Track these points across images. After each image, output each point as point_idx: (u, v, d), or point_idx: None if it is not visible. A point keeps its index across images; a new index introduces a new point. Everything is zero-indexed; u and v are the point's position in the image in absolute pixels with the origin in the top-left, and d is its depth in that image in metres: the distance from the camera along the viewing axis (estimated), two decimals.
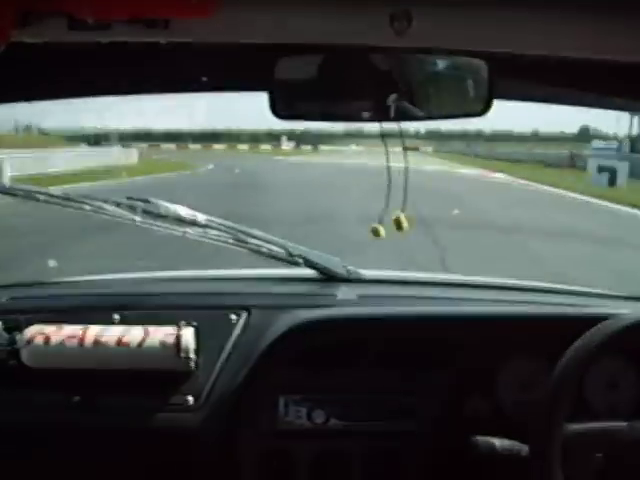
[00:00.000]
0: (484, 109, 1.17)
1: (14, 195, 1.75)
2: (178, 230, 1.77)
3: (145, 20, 0.98)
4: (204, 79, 1.35)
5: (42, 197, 1.73)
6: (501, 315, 1.61)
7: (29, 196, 1.73)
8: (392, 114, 1.17)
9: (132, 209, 1.72)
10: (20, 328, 1.54)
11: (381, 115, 1.18)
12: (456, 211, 10.60)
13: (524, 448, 1.32)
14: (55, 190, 1.79)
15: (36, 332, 1.53)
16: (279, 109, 1.16)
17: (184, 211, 1.77)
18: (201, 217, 1.77)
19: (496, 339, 1.52)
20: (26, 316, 1.57)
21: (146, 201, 1.75)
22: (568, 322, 1.50)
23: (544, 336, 1.50)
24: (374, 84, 1.17)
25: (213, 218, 1.79)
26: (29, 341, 1.52)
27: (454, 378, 1.51)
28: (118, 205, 1.73)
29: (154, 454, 1.52)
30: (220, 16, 0.96)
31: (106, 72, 1.30)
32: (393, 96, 1.15)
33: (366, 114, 1.19)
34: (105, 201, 1.72)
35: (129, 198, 1.75)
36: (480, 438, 1.41)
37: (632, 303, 1.80)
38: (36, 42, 1.01)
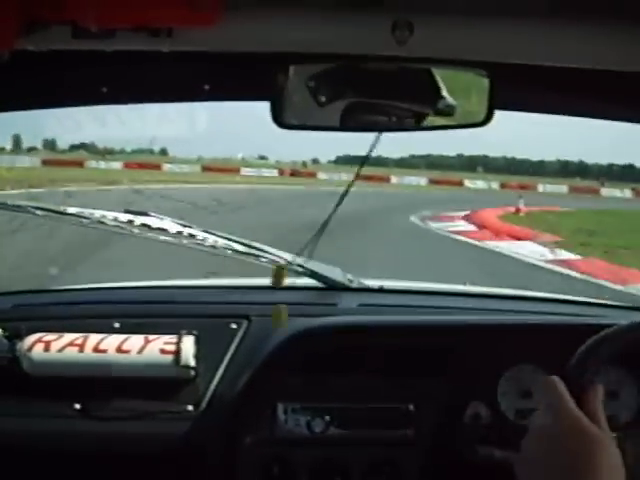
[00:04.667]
0: (486, 119, 1.17)
1: (13, 210, 1.76)
2: (177, 242, 1.77)
3: (149, 29, 0.98)
4: (206, 88, 1.36)
5: (40, 212, 1.73)
6: (502, 324, 1.60)
7: (27, 211, 1.74)
8: (394, 124, 1.18)
9: (130, 222, 1.73)
10: (21, 336, 1.54)
11: (383, 125, 1.19)
12: None
13: None
14: (53, 205, 1.79)
15: (37, 340, 1.53)
16: (281, 119, 1.16)
17: (182, 223, 1.77)
18: (199, 229, 1.78)
19: (497, 348, 1.52)
20: (27, 324, 1.57)
21: (144, 214, 1.75)
22: (569, 331, 1.50)
23: (545, 345, 1.50)
24: (376, 93, 1.17)
25: (211, 230, 1.80)
26: (30, 349, 1.52)
27: (454, 386, 1.50)
28: (116, 218, 1.73)
29: (154, 462, 1.52)
30: (223, 25, 0.97)
31: (109, 80, 1.30)
32: (395, 106, 1.16)
33: (368, 123, 1.19)
34: (104, 215, 1.73)
35: (127, 211, 1.76)
36: (480, 447, 1.40)
37: (633, 313, 1.80)
38: (40, 50, 1.01)
